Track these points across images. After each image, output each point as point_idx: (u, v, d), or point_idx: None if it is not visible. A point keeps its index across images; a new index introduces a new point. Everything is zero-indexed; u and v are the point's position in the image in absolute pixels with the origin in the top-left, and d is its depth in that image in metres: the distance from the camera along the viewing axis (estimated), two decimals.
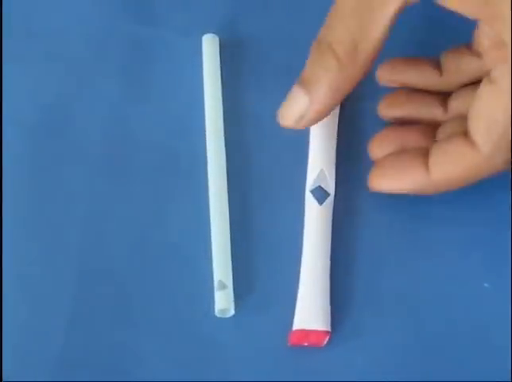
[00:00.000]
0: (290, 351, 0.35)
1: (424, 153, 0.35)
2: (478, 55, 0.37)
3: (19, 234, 0.37)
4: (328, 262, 0.36)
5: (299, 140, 0.38)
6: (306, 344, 0.35)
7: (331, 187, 0.37)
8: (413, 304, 0.36)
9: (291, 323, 0.35)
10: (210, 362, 0.35)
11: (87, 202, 0.38)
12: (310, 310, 0.35)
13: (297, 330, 0.35)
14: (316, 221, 0.37)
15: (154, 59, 0.41)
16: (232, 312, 0.35)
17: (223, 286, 0.35)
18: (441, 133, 0.37)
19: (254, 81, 0.41)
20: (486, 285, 0.36)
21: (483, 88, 0.33)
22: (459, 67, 0.38)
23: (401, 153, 0.36)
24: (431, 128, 0.37)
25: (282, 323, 0.35)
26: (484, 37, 0.37)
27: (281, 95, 0.35)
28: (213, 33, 0.41)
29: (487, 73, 0.34)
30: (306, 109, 0.34)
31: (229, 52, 0.41)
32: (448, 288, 0.36)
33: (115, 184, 0.38)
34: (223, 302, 0.35)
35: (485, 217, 0.37)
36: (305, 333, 0.35)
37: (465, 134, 0.34)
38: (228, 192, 0.38)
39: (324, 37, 0.34)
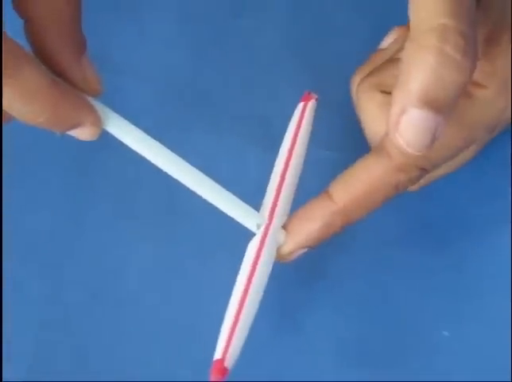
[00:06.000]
0: None
1: None
2: None
3: None
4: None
5: None
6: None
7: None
8: (371, 351, 0.36)
9: None
10: None
11: (45, 250, 0.38)
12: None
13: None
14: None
15: None
16: None
17: None
18: None
19: None
20: (445, 333, 0.36)
21: None
22: None
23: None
24: None
25: None
26: None
27: None
28: None
29: None
30: (438, 127, 0.29)
31: None
32: (406, 337, 0.36)
33: (73, 231, 0.38)
34: None
35: (442, 264, 0.37)
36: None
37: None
38: None
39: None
